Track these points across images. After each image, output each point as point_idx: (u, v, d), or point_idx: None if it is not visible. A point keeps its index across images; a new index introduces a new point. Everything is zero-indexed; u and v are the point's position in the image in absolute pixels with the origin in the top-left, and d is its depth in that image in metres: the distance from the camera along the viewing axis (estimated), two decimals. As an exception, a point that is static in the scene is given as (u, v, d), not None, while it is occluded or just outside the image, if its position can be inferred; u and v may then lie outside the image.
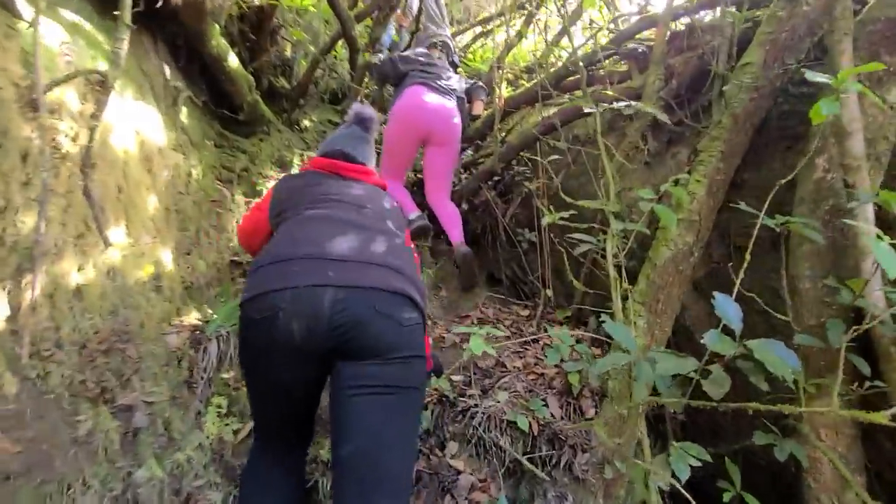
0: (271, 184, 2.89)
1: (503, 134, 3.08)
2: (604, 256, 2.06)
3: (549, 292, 3.02)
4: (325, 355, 1.06)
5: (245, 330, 1.09)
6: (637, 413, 1.64)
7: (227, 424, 1.34)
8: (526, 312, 2.80)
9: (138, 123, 1.85)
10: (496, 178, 3.18)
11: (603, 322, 1.53)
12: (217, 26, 2.58)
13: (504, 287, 3.60)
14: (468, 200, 3.17)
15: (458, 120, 2.84)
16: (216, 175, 2.71)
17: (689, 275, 1.79)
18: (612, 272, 1.77)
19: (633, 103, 1.86)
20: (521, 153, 3.00)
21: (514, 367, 1.96)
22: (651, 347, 1.74)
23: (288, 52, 3.90)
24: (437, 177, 2.88)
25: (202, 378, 1.27)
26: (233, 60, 2.90)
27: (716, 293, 1.11)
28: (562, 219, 2.21)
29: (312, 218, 1.22)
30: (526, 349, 2.20)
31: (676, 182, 1.70)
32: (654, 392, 1.41)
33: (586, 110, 2.31)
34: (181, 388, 1.25)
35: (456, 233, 2.84)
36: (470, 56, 5.43)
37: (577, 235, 2.11)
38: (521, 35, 3.15)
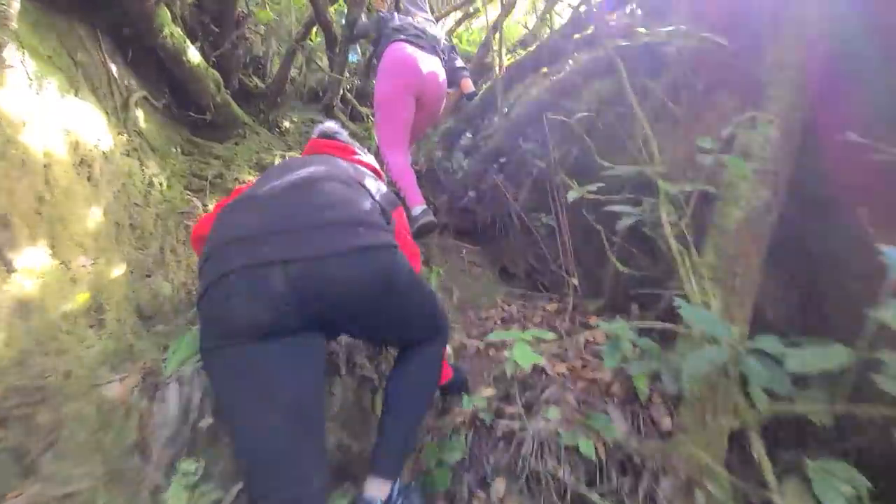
0: (250, 189, 2.55)
1: (506, 109, 2.74)
2: (650, 229, 1.71)
3: (575, 281, 2.68)
4: (300, 331, 0.99)
5: (205, 330, 0.98)
6: (725, 424, 1.28)
7: (202, 495, 0.98)
8: (553, 306, 2.45)
9: (68, 121, 1.49)
10: (502, 160, 2.83)
11: (677, 307, 1.18)
12: (167, 13, 2.22)
13: (521, 281, 3.25)
14: (474, 187, 2.82)
15: (444, 78, 2.52)
16: (185, 184, 2.35)
17: (768, 240, 1.44)
18: (674, 243, 1.42)
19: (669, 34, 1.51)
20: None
21: (559, 373, 1.60)
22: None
23: (260, 48, 3.55)
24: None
25: (159, 438, 0.92)
26: (193, 55, 2.55)
27: (882, 247, 0.76)
28: (590, 193, 1.87)
29: (252, 193, 1.12)
30: (566, 349, 1.84)
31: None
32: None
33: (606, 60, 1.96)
34: (126, 458, 0.90)
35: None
36: (455, 40, 5.10)
37: (616, 208, 1.77)
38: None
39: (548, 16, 3.50)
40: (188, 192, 2.31)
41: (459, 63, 2.60)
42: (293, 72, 3.89)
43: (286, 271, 0.94)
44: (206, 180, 2.44)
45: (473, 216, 3.03)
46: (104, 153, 1.68)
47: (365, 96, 3.97)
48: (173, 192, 2.18)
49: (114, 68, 2.13)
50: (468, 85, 2.60)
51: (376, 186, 1.33)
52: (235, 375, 0.93)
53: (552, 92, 2.34)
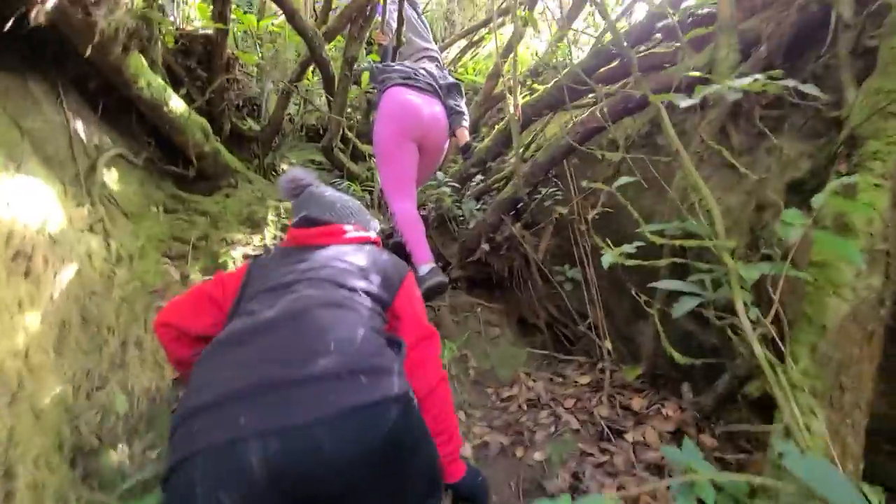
0: (238, 252, 2.27)
1: (523, 149, 2.45)
2: (715, 314, 1.40)
3: (608, 345, 2.35)
4: None
5: None
6: None
7: None
8: (586, 379, 2.11)
9: (3, 206, 1.22)
10: (520, 207, 2.54)
11: (782, 453, 0.85)
12: (142, 61, 1.99)
13: (541, 334, 2.92)
14: (488, 238, 2.52)
15: (446, 122, 2.30)
16: (163, 251, 2.08)
17: (881, 339, 1.11)
18: (760, 350, 1.09)
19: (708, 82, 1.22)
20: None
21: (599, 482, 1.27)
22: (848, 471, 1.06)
23: (255, 88, 3.33)
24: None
25: None
26: (176, 104, 2.32)
27: None
28: (627, 255, 1.57)
29: (232, 337, 0.92)
30: (611, 455, 1.51)
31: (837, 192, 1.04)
32: None
33: (638, 97, 1.68)
34: None
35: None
36: (461, 70, 4.88)
37: (666, 284, 1.46)
38: (526, 24, 2.54)
39: (559, 45, 3.24)
40: (166, 261, 2.04)
41: (459, 107, 2.34)
42: (292, 109, 3.68)
43: (265, 447, 0.74)
44: (189, 244, 2.17)
45: (488, 268, 2.73)
46: (51, 236, 1.41)
47: (366, 134, 3.73)
48: (147, 263, 1.90)
49: (80, 127, 1.89)
50: (464, 136, 2.33)
51: (378, 264, 1.15)
52: None
53: (575, 133, 2.05)
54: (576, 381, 2.11)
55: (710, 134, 1.78)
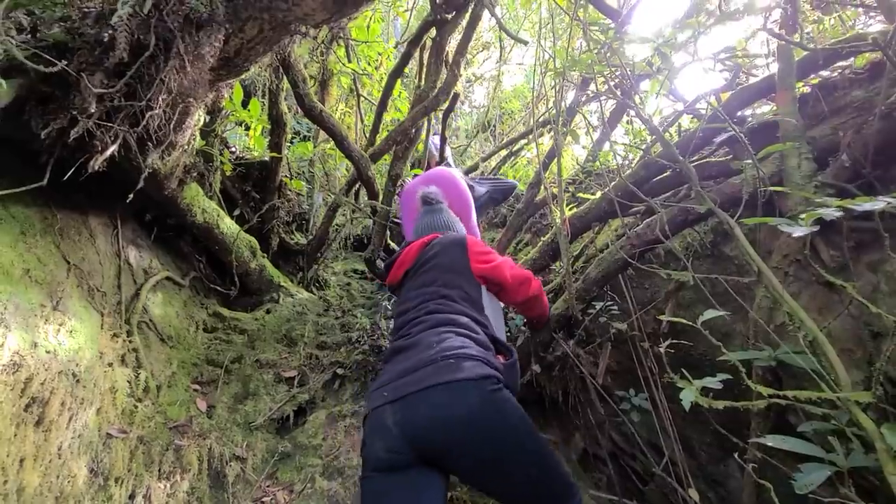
0: (269, 375, 2.15)
1: (572, 262, 2.30)
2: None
3: (695, 495, 1.92)
4: (414, 466, 1.08)
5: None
6: None
7: None
8: (672, 545, 1.68)
9: (24, 351, 1.16)
10: (572, 322, 2.31)
11: None
12: (198, 190, 2.09)
13: (608, 471, 2.48)
14: (538, 357, 2.27)
15: None
16: (194, 376, 1.99)
17: None
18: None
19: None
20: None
21: None
22: None
23: (305, 204, 3.48)
24: None
25: None
26: (227, 226, 2.40)
27: None
28: (709, 396, 1.32)
29: (390, 351, 1.30)
30: None
31: None
32: None
33: (701, 211, 1.52)
34: None
35: None
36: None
37: (780, 444, 1.16)
38: (570, 136, 2.53)
39: (600, 153, 3.23)
40: (196, 387, 1.94)
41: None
42: (340, 219, 3.81)
43: (393, 409, 1.10)
44: (222, 367, 2.08)
45: (540, 390, 2.43)
46: (76, 375, 1.34)
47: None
48: (175, 392, 1.80)
49: (133, 254, 1.95)
50: None
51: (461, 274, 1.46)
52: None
53: (630, 247, 1.88)
54: (659, 549, 1.68)
55: (795, 247, 1.56)
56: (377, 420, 1.12)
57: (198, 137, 1.91)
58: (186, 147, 1.57)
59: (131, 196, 1.25)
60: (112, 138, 1.23)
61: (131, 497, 1.36)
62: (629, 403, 2.13)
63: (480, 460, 1.07)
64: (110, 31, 1.11)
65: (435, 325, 1.25)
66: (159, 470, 1.48)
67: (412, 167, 3.75)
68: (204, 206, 2.18)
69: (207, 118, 1.75)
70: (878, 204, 0.85)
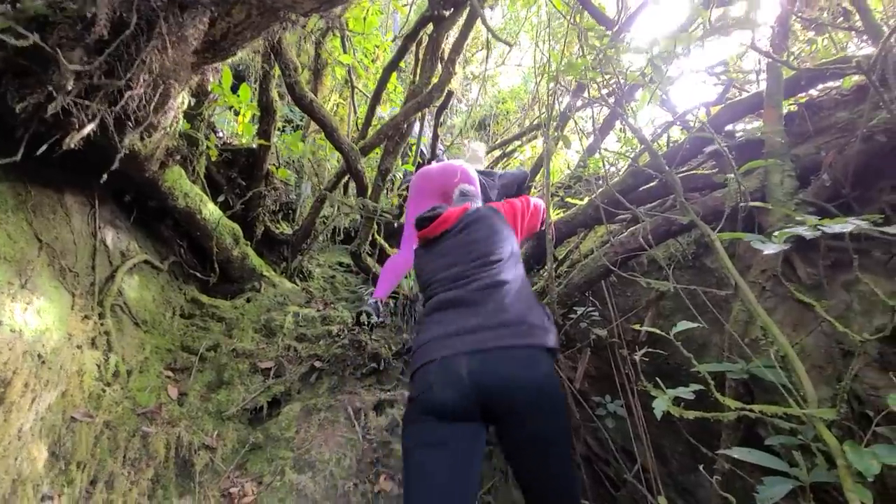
0: (244, 366, 2.12)
1: (556, 267, 2.30)
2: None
3: (664, 502, 1.94)
4: (472, 419, 1.15)
5: (410, 405, 1.22)
6: None
7: None
8: (638, 552, 1.69)
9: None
10: (553, 326, 2.31)
11: None
12: (181, 173, 2.05)
13: (580, 474, 2.50)
14: (518, 359, 2.26)
15: None
16: (168, 363, 1.96)
17: None
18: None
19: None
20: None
21: None
22: None
23: (292, 194, 3.45)
24: None
25: None
26: (210, 212, 2.37)
27: None
28: (680, 405, 1.34)
29: (436, 307, 1.34)
30: None
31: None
32: None
33: (684, 222, 1.53)
34: None
35: None
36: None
37: (737, 452, 1.18)
38: (558, 142, 2.54)
39: (590, 160, 3.24)
40: (168, 374, 1.91)
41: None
42: (328, 211, 3.77)
43: (470, 360, 1.15)
44: (197, 355, 2.05)
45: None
46: (41, 356, 1.30)
47: (393, 235, 3.74)
48: (146, 378, 1.77)
49: (110, 235, 1.91)
50: None
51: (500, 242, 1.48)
52: (420, 445, 1.14)
53: (614, 254, 1.89)
54: (625, 555, 1.69)
55: (772, 263, 1.58)
56: (447, 368, 1.14)
57: (182, 120, 1.88)
58: (168, 129, 1.54)
59: (105, 176, 1.21)
60: (89, 117, 1.20)
61: (93, 483, 1.33)
62: (605, 409, 2.15)
63: (534, 431, 1.12)
64: (93, 8, 1.08)
65: (494, 285, 1.29)
66: (124, 456, 1.45)
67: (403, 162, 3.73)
68: (186, 190, 2.15)
69: (193, 101, 1.72)
70: (848, 227, 0.86)
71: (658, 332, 1.38)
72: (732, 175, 1.58)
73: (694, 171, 2.11)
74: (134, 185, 1.88)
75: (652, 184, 2.10)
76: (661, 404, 1.41)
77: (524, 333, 1.19)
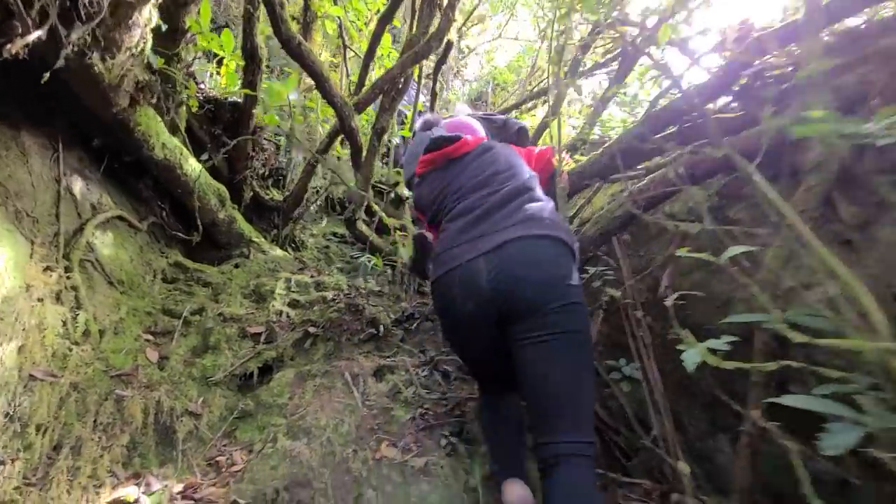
0: (233, 331, 1.95)
1: (570, 220, 2.15)
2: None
3: (685, 468, 1.82)
4: (495, 321, 1.15)
5: (435, 302, 1.32)
6: None
7: None
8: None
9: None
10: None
11: None
12: (158, 122, 1.86)
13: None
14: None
15: None
16: (147, 326, 1.79)
17: None
18: None
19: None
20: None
21: None
22: None
23: (281, 159, 3.25)
24: None
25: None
26: (191, 168, 2.18)
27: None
28: (718, 353, 1.22)
29: (458, 213, 1.31)
30: None
31: None
32: None
33: (717, 155, 1.39)
34: None
35: None
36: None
37: (793, 399, 1.04)
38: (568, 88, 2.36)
39: (598, 119, 3.07)
40: (148, 337, 1.74)
41: None
42: (319, 182, 3.58)
43: (488, 259, 1.14)
44: (180, 318, 1.88)
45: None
46: (-7, 306, 1.13)
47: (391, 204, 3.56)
48: (121, 340, 1.60)
49: (78, 185, 1.72)
50: None
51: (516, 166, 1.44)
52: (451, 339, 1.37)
53: (630, 205, 1.73)
54: (646, 522, 1.57)
55: (812, 203, 1.43)
56: (466, 273, 1.14)
57: (158, 59, 1.68)
58: (134, 51, 1.34)
59: (46, 76, 1.03)
60: (37, 20, 1.01)
61: (56, 448, 1.17)
62: (619, 373, 2.01)
63: (548, 336, 1.08)
64: None
65: (518, 191, 1.27)
66: (95, 420, 1.29)
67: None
68: (164, 140, 1.96)
69: (164, 26, 1.52)
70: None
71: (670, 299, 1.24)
72: (767, 111, 1.42)
73: (720, 115, 1.96)
74: (101, 128, 1.69)
75: (670, 130, 1.94)
76: (693, 355, 1.27)
77: (548, 226, 1.17)
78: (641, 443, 2.03)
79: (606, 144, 1.99)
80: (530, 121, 4.65)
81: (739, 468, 1.59)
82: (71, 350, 1.36)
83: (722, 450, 2.03)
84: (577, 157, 2.68)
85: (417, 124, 2.27)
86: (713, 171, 1.66)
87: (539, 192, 1.34)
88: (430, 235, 2.23)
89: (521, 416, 1.38)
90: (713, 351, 1.25)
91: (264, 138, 2.73)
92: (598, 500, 1.14)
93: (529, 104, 5.01)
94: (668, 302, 1.30)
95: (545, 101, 5.11)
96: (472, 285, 1.14)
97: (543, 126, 3.49)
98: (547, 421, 1.10)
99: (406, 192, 3.89)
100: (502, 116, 2.54)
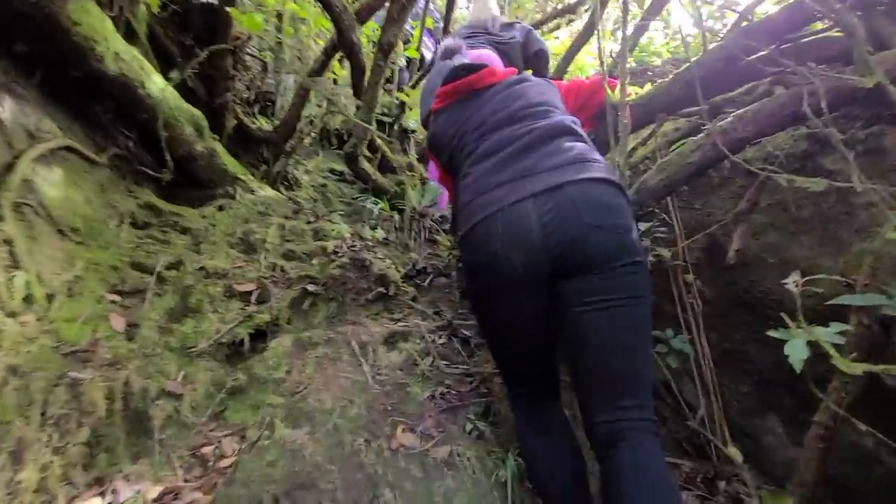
0: (218, 289, 1.65)
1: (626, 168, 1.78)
2: None
3: (737, 454, 1.63)
4: (547, 279, 0.99)
5: (467, 260, 1.11)
6: None
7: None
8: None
9: None
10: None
11: None
12: (108, 22, 1.42)
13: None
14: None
15: None
16: (113, 284, 1.49)
17: None
18: None
19: None
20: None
21: None
22: None
23: (269, 81, 2.78)
24: None
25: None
26: (155, 86, 1.76)
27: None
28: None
29: (484, 153, 1.13)
30: None
31: None
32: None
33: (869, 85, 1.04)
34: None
35: None
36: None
37: None
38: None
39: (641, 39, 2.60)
40: (113, 298, 1.44)
41: None
42: (316, 110, 3.12)
43: (537, 203, 0.97)
44: (154, 274, 1.57)
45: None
46: None
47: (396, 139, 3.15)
48: (78, 304, 1.30)
49: (7, 105, 1.33)
50: None
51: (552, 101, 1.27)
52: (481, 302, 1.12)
53: (711, 146, 1.37)
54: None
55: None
56: (510, 220, 0.97)
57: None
58: None
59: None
60: None
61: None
62: (667, 346, 1.75)
63: (618, 300, 0.94)
64: None
65: (558, 131, 1.09)
66: (42, 414, 1.02)
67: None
68: (117, 48, 1.53)
69: None
70: None
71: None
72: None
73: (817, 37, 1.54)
74: (24, 27, 1.26)
75: (750, 58, 1.52)
76: (799, 350, 1.01)
77: (606, 170, 1.02)
78: (689, 424, 1.82)
79: (677, 70, 1.58)
80: (556, 43, 4.10)
81: (807, 460, 1.37)
82: (5, 324, 1.06)
83: (772, 430, 1.83)
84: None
85: (438, 52, 1.86)
86: (846, 104, 1.28)
87: (581, 135, 1.14)
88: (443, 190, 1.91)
89: (574, 439, 1.15)
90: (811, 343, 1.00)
91: (247, 53, 2.26)
92: (672, 484, 0.95)
93: (552, 23, 4.41)
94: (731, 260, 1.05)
95: (570, 21, 4.50)
96: (519, 233, 0.97)
97: (575, 49, 3.00)
98: (610, 397, 0.96)
99: (412, 125, 3.45)
100: (520, 28, 2.13)
